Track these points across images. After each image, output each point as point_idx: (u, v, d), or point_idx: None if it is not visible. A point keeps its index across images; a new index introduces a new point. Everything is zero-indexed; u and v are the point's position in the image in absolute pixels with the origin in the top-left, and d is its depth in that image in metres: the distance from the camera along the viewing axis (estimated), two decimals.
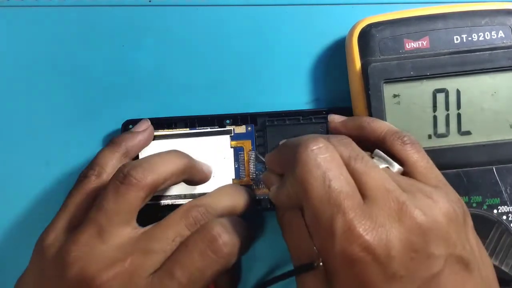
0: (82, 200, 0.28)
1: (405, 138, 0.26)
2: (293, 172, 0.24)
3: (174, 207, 0.28)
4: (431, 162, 0.26)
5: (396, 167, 0.25)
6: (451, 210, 0.23)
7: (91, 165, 0.30)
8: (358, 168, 0.23)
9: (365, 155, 0.24)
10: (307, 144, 0.24)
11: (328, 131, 0.33)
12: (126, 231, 0.26)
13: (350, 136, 0.27)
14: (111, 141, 0.31)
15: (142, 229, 0.26)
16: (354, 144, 0.25)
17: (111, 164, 0.29)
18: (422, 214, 0.22)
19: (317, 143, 0.24)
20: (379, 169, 0.24)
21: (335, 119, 0.30)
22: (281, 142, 0.29)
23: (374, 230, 0.22)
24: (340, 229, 0.22)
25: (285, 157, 0.27)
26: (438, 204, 0.23)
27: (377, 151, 0.26)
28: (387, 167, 0.25)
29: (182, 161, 0.29)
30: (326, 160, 0.23)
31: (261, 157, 0.32)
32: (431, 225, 0.22)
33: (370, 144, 0.27)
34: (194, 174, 0.30)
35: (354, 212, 0.22)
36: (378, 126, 0.27)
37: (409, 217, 0.22)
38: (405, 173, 0.26)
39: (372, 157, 0.26)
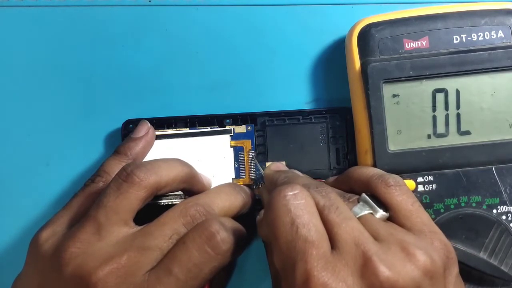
0: (85, 201, 0.28)
1: (390, 180, 0.26)
2: (266, 215, 0.24)
3: (172, 206, 0.28)
4: (417, 204, 0.25)
5: (380, 213, 0.25)
6: (428, 262, 0.22)
7: (98, 172, 0.30)
8: (330, 219, 0.23)
9: (341, 205, 0.24)
10: (281, 190, 0.24)
11: (328, 130, 0.33)
12: (124, 230, 0.26)
13: (343, 189, 0.28)
14: (116, 151, 0.31)
15: (139, 228, 0.26)
16: (332, 194, 0.25)
17: None
18: (388, 270, 0.21)
19: (292, 189, 0.24)
20: (352, 221, 0.23)
21: (329, 179, 0.31)
22: (266, 169, 0.31)
23: (333, 284, 0.21)
24: (300, 277, 0.22)
25: (265, 192, 0.29)
26: (414, 257, 0.22)
27: (363, 195, 0.26)
28: (371, 213, 0.25)
29: (185, 170, 0.29)
30: (298, 207, 0.23)
31: (259, 166, 0.32)
32: (395, 282, 0.21)
33: (359, 191, 0.27)
34: (194, 184, 0.30)
35: (316, 262, 0.22)
36: (364, 171, 0.28)
37: (373, 273, 0.21)
38: (390, 217, 0.25)
39: (358, 202, 0.26)
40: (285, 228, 0.23)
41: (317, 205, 0.24)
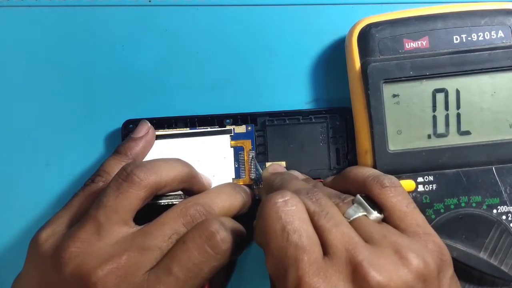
0: (85, 201, 0.28)
1: (385, 181, 0.26)
2: (258, 221, 0.24)
3: (172, 206, 0.28)
4: (412, 206, 0.25)
5: (373, 215, 0.25)
6: (421, 266, 0.22)
7: (98, 172, 0.30)
8: (321, 224, 0.23)
9: (331, 210, 0.24)
10: (272, 197, 0.24)
11: (328, 130, 0.33)
12: (124, 230, 0.26)
13: (340, 189, 0.27)
14: (116, 151, 0.31)
15: (139, 227, 0.26)
16: (323, 199, 0.25)
17: None
18: (378, 275, 0.21)
19: (283, 196, 0.24)
20: (343, 226, 0.23)
21: (327, 179, 0.31)
22: (264, 171, 0.31)
23: None
24: (291, 283, 0.22)
25: (264, 193, 0.30)
26: (407, 260, 0.22)
27: (358, 197, 0.25)
28: (365, 214, 0.25)
29: (185, 169, 0.29)
30: (288, 213, 0.23)
31: (259, 166, 0.32)
32: (386, 287, 0.21)
33: (355, 192, 0.27)
34: (194, 184, 0.30)
35: (308, 268, 0.22)
36: (360, 171, 0.27)
37: (363, 278, 0.21)
38: (385, 218, 0.25)
39: (353, 203, 0.25)
40: (276, 234, 0.23)
41: (308, 211, 0.24)
